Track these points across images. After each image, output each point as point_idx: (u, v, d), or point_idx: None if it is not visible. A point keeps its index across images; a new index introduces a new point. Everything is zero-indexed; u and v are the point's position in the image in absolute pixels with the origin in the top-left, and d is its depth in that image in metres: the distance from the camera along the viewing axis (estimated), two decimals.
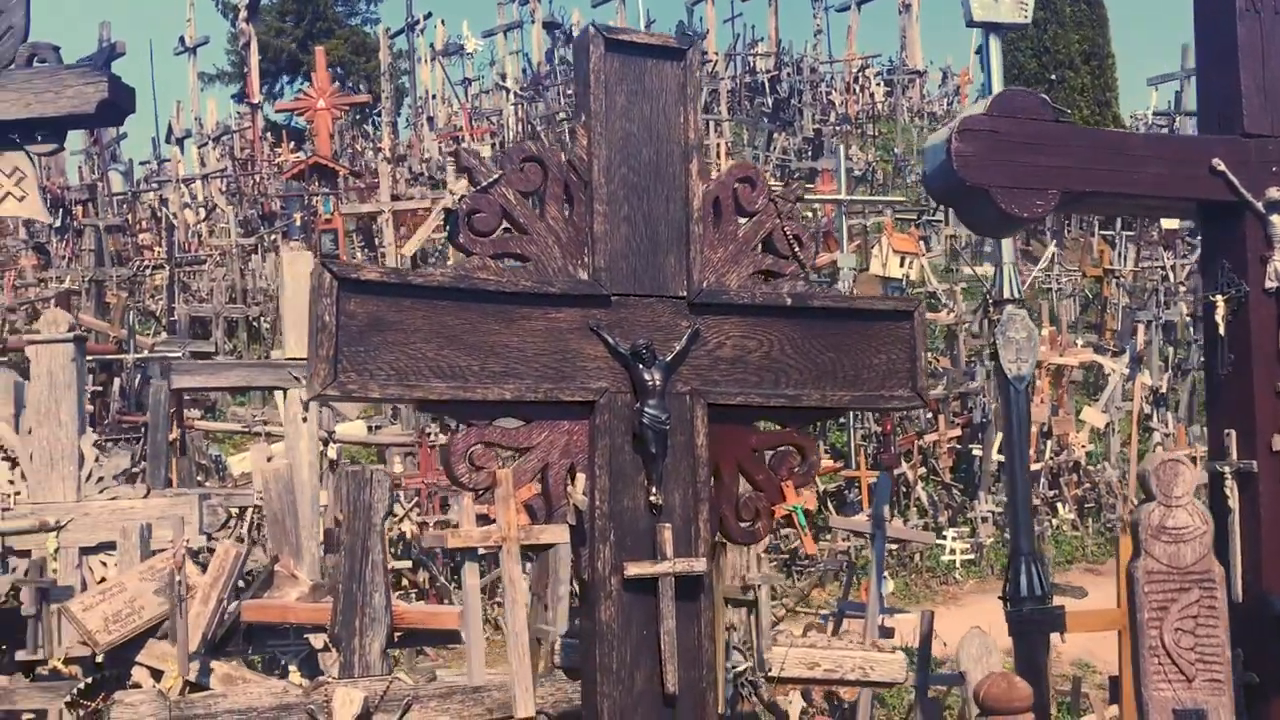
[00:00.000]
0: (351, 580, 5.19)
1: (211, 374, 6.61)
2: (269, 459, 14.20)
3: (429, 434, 14.07)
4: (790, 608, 13.42)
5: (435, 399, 3.08)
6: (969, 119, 4.76)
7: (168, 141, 33.09)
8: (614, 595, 3.19)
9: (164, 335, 18.81)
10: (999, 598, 8.43)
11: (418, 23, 36.86)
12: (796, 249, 3.47)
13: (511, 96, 36.01)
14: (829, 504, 15.24)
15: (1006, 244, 7.47)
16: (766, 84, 37.88)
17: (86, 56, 10.00)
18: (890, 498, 14.96)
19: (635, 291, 3.33)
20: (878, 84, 40.45)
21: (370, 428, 15.49)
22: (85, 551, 6.32)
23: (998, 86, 6.83)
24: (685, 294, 3.37)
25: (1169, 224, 27.00)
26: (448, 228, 3.06)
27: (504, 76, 38.01)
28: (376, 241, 22.97)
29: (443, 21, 39.12)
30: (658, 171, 3.38)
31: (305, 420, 6.65)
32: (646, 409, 3.22)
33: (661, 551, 3.21)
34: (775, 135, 32.70)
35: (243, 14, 33.28)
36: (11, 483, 6.37)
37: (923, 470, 15.92)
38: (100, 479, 6.49)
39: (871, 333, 3.55)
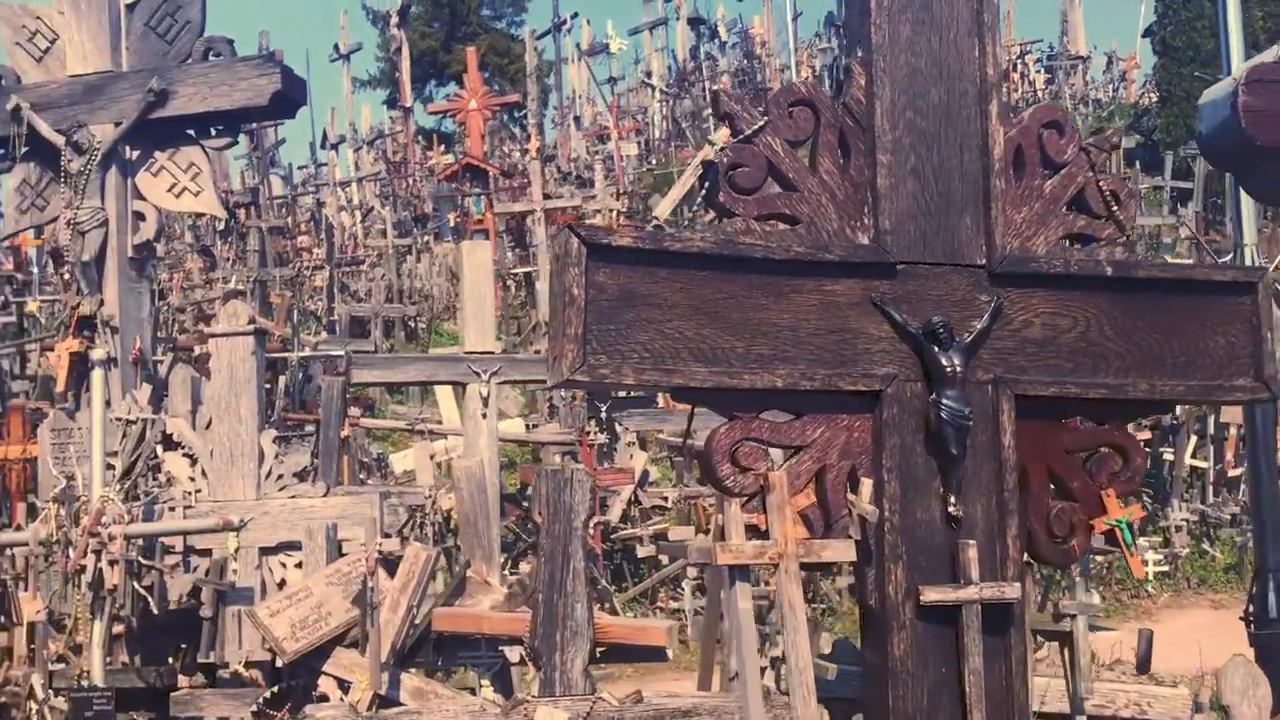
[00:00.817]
0: (552, 589, 4.76)
1: (391, 369, 6.30)
2: (432, 457, 14.11)
3: (589, 433, 13.73)
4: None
5: (696, 386, 2.59)
6: (1259, 68, 4.06)
7: (323, 146, 33.84)
8: (907, 626, 2.64)
9: (323, 334, 19.03)
10: (1240, 618, 7.53)
11: (564, 23, 36.84)
12: (1114, 207, 2.86)
13: (657, 94, 35.73)
14: None
15: (1249, 219, 6.59)
16: None
17: (253, 55, 9.90)
18: None
19: (925, 259, 2.78)
20: (1037, 71, 38.82)
21: (527, 425, 15.26)
22: (265, 552, 6.09)
23: (1236, 42, 6.03)
24: (984, 262, 2.80)
25: None
26: (704, 186, 2.51)
27: (649, 74, 37.76)
28: (528, 240, 22.89)
29: (588, 21, 39.13)
30: (948, 115, 2.81)
31: (485, 416, 6.28)
32: (944, 401, 2.66)
33: (964, 574, 2.64)
34: None
35: (394, 20, 33.82)
36: (192, 479, 6.18)
37: None
38: (280, 476, 6.26)
39: (1206, 309, 2.90)
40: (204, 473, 6.20)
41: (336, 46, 34.14)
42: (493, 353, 6.28)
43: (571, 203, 23.20)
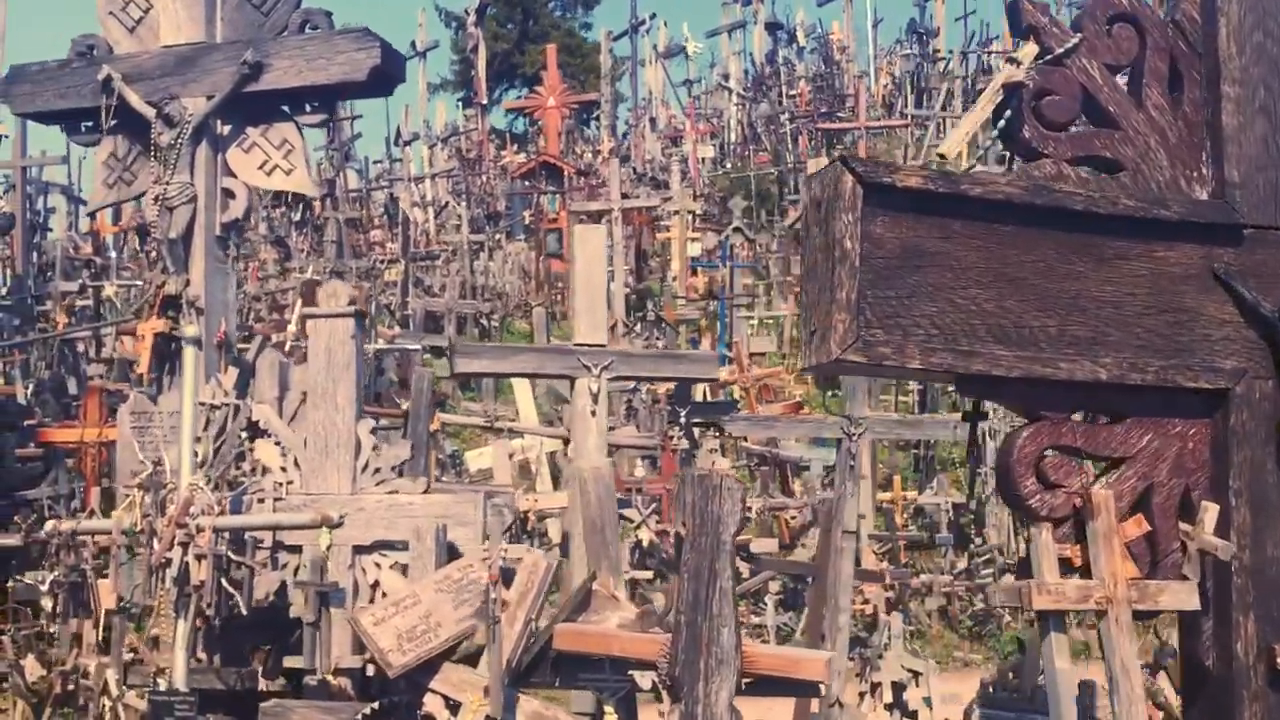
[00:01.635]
0: (696, 610, 4.19)
1: (500, 359, 5.77)
2: (511, 456, 13.61)
3: (672, 437, 13.17)
4: None
5: (1000, 374, 2.00)
6: None
7: (396, 143, 33.68)
8: (1260, 695, 2.02)
9: (396, 329, 18.69)
10: None
11: (642, 23, 36.40)
12: None
13: (734, 97, 35.20)
14: None
15: None
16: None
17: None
18: None
19: (1278, 222, 2.17)
20: None
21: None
22: (359, 551, 5.59)
23: None
24: None
25: None
26: (1000, 120, 1.89)
27: (726, 77, 37.27)
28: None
29: (665, 23, 38.69)
30: None
31: (595, 414, 5.73)
32: None
33: None
34: None
35: (471, 18, 33.56)
36: (284, 469, 5.71)
37: None
38: (376, 470, 5.77)
39: None
40: (296, 463, 5.71)
41: (413, 44, 33.99)
42: (604, 346, 5.72)
43: (649, 202, 22.73)
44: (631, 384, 16.69)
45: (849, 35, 39.15)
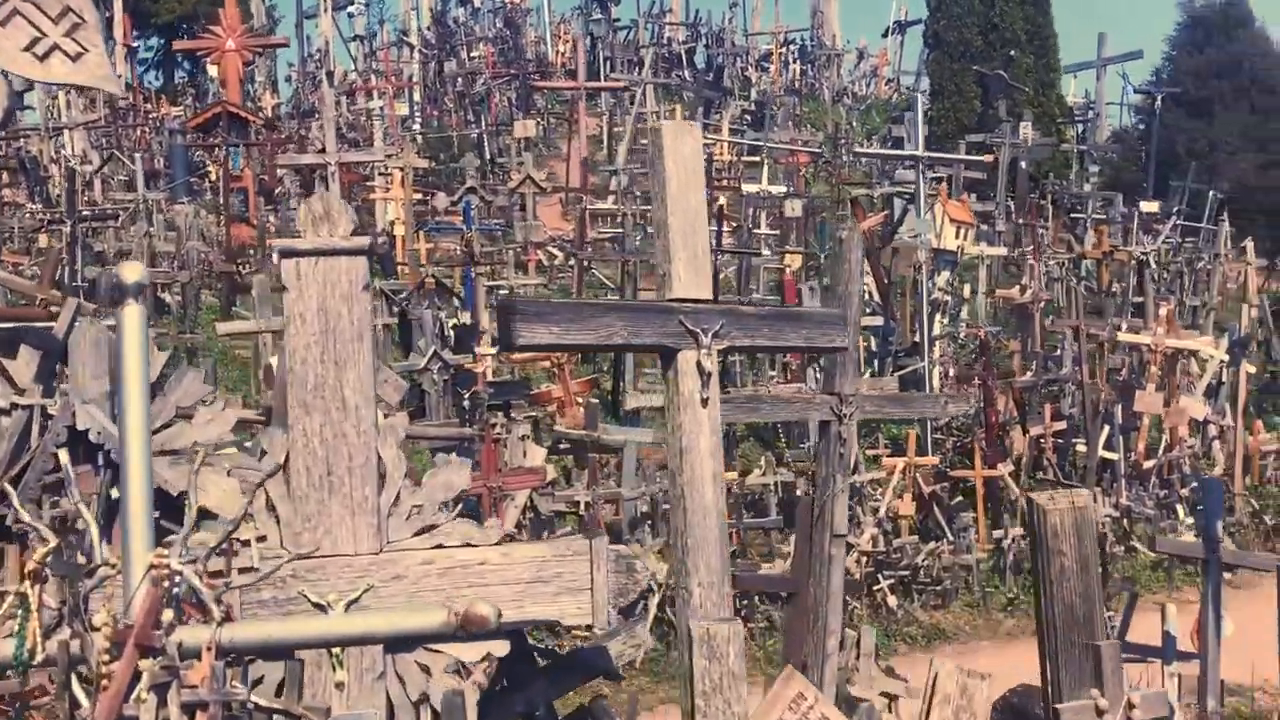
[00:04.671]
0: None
1: (573, 321, 3.71)
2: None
3: (494, 425, 11.16)
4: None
5: None
6: None
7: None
8: None
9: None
10: None
11: None
12: None
13: (416, 54, 32.87)
14: (936, 507, 12.99)
15: None
16: (684, 55, 36.05)
17: None
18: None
19: None
20: (794, 60, 39.17)
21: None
22: (394, 650, 3.29)
23: None
24: None
25: (1149, 207, 26.12)
26: None
27: (405, 33, 34.82)
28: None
29: None
30: None
31: (706, 403, 3.94)
32: None
33: None
34: (718, 105, 30.73)
35: None
36: (252, 516, 3.37)
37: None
38: (416, 509, 3.51)
39: None
40: (270, 505, 3.36)
41: None
42: (711, 301, 3.93)
43: (371, 156, 20.17)
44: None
45: None
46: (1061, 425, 14.05)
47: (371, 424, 3.28)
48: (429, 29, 35.07)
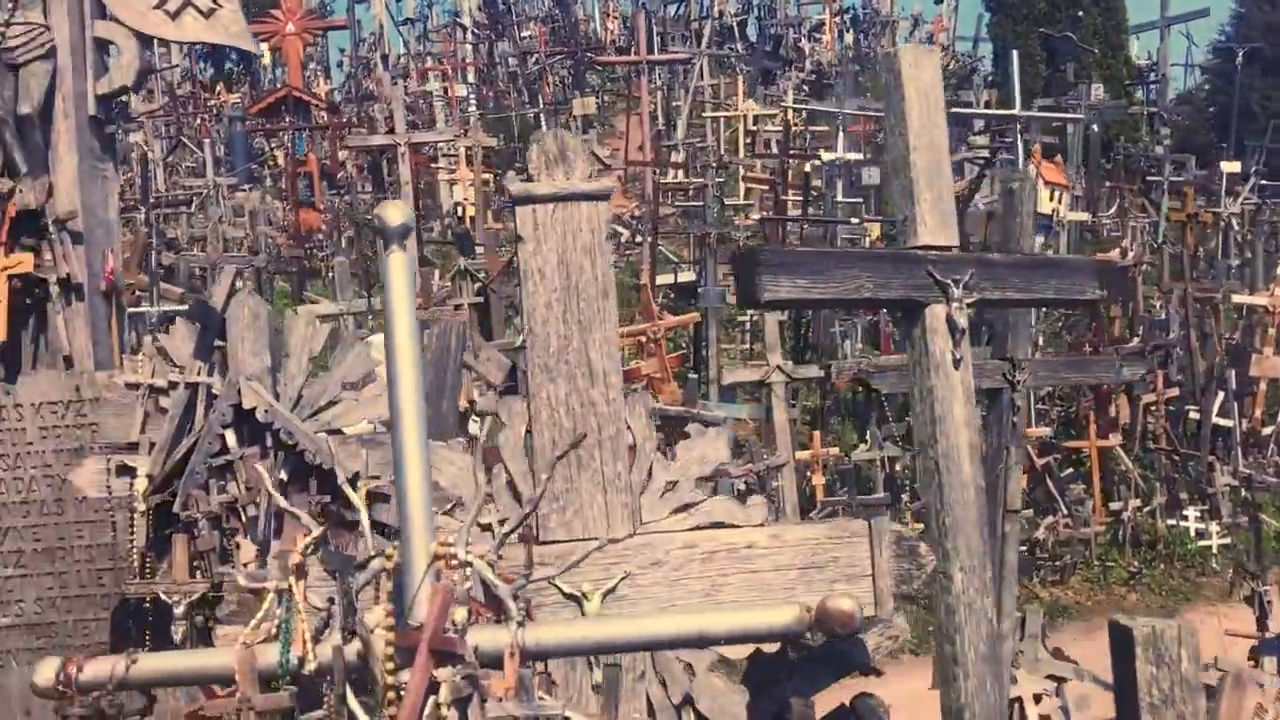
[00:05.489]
0: None
1: (820, 271, 3.32)
2: None
3: None
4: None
5: None
6: None
7: None
8: None
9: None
10: None
11: None
12: None
13: (469, 35, 32.51)
14: (1049, 479, 12.48)
15: None
16: (736, 28, 35.48)
17: None
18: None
19: None
20: (847, 29, 38.50)
21: None
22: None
23: None
24: None
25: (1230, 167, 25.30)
26: None
27: (457, 14, 34.47)
28: (389, 179, 19.34)
29: None
30: None
31: (959, 364, 3.55)
32: None
33: None
34: (776, 76, 30.20)
35: None
36: (485, 494, 2.99)
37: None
38: (670, 485, 3.10)
39: None
40: (487, 478, 2.99)
41: None
42: (959, 248, 3.51)
43: (441, 137, 19.86)
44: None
45: None
46: (1174, 392, 13.46)
47: (620, 391, 2.90)
48: (480, 10, 34.76)
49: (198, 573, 4.18)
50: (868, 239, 17.78)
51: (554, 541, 2.82)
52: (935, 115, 3.61)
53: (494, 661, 2.15)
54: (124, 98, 5.28)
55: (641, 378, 13.57)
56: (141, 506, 4.14)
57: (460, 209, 21.25)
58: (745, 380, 12.12)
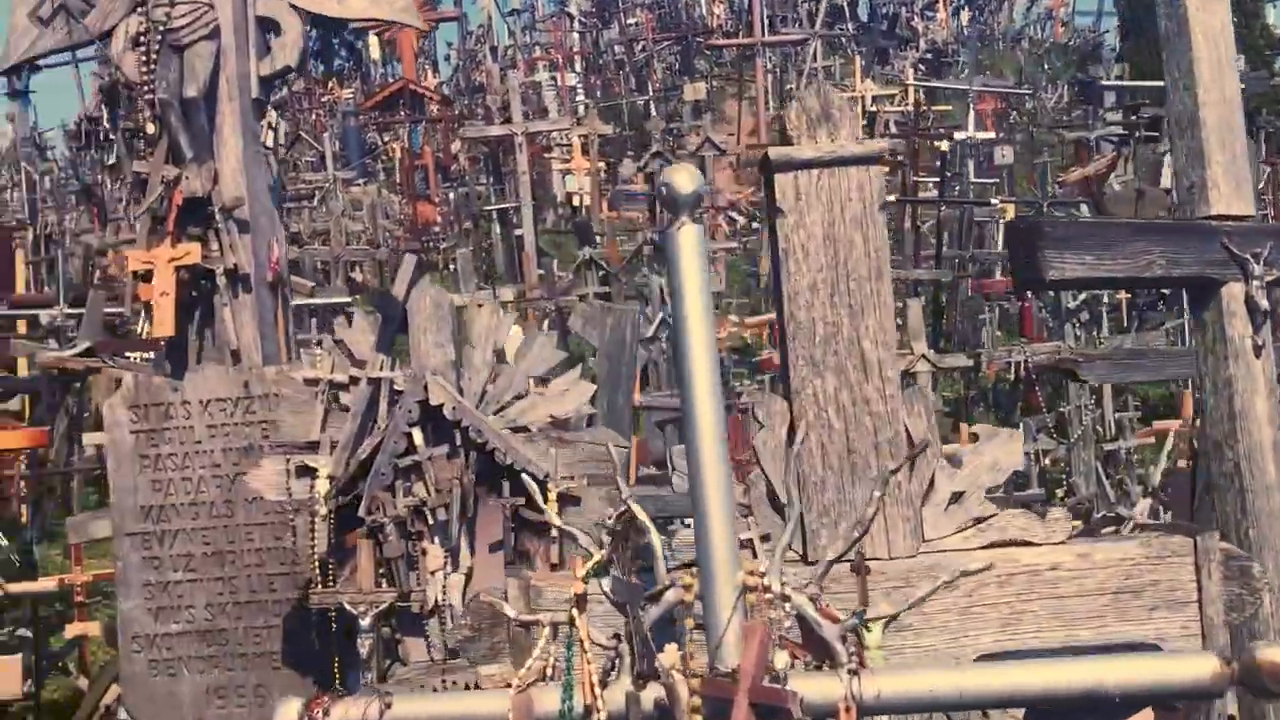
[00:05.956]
0: None
1: (1105, 244, 2.86)
2: None
3: (740, 394, 10.42)
4: None
5: None
6: None
7: None
8: None
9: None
10: None
11: None
12: None
13: (576, 24, 32.32)
14: None
15: None
16: (846, 8, 34.65)
17: None
18: None
19: None
20: (962, 6, 37.35)
21: None
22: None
23: None
24: None
25: None
26: None
27: (565, 2, 34.33)
28: (506, 169, 19.18)
29: None
30: None
31: (1260, 351, 3.05)
32: None
33: None
34: (891, 55, 29.42)
35: None
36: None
37: None
38: (957, 495, 2.72)
39: None
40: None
41: None
42: (1255, 218, 3.00)
43: (558, 125, 19.65)
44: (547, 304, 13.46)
45: None
46: None
47: (898, 387, 2.50)
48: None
49: (383, 581, 3.90)
50: (1001, 221, 17.05)
51: (838, 560, 2.44)
52: (1226, 65, 3.11)
53: (824, 717, 1.77)
54: (297, 72, 5.03)
55: (774, 367, 13.13)
56: (323, 510, 3.87)
57: (573, 199, 21.04)
58: None
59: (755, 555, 2.36)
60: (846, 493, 2.43)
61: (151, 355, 10.05)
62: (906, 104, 23.84)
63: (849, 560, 2.29)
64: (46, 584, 7.48)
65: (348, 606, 3.83)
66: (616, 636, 1.91)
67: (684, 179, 1.87)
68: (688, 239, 1.87)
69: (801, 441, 2.48)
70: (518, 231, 17.91)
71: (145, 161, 4.62)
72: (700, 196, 1.87)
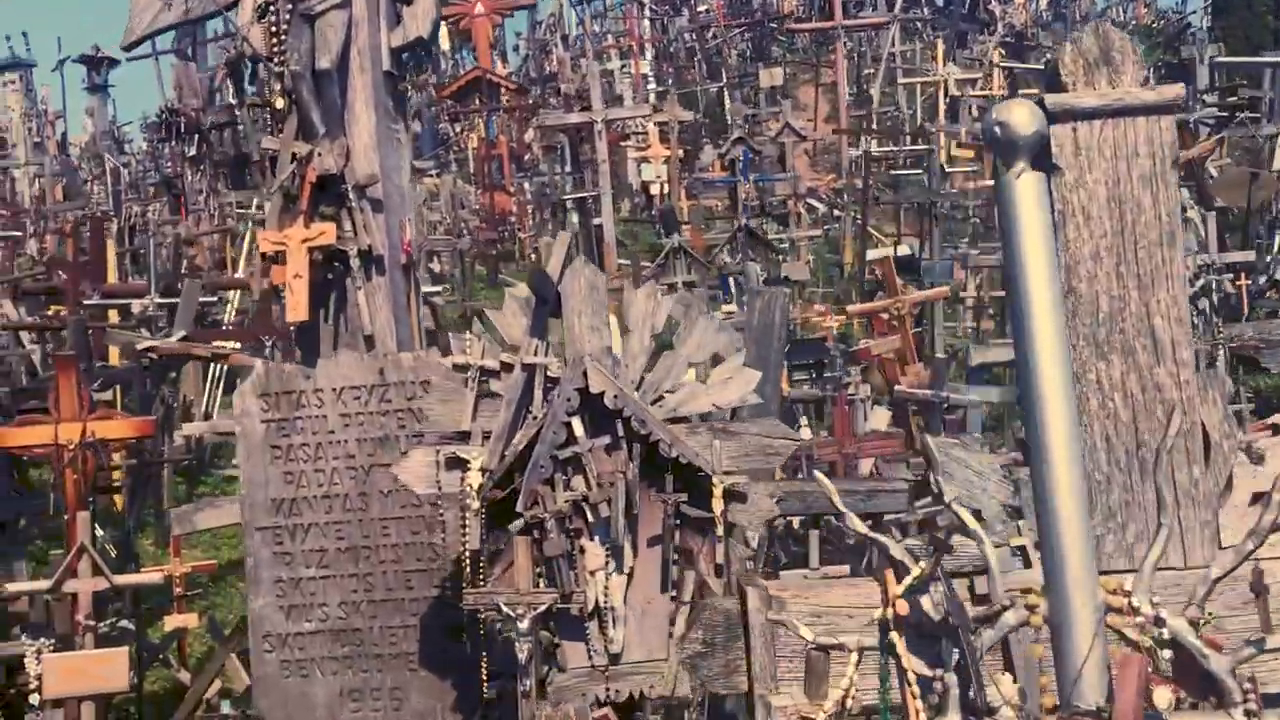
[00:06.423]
0: None
1: None
2: None
3: (847, 385, 10.08)
4: None
5: None
6: None
7: None
8: None
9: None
10: None
11: None
12: None
13: (647, 11, 32.00)
14: None
15: None
16: None
17: None
18: None
19: None
20: None
21: None
22: None
23: None
24: None
25: None
26: None
27: None
28: (584, 157, 18.92)
29: None
30: None
31: None
32: None
33: None
34: (971, 39, 28.74)
35: None
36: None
37: None
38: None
39: None
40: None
41: None
42: None
43: (638, 112, 19.32)
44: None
45: None
46: None
47: (1193, 371, 2.16)
48: None
49: (539, 581, 3.63)
50: None
51: (1111, 571, 2.13)
52: None
53: None
54: (430, 45, 4.78)
55: (871, 358, 12.73)
56: (475, 504, 3.60)
57: (648, 187, 20.73)
58: (996, 361, 11.13)
59: (1029, 565, 2.05)
60: (1135, 493, 2.09)
61: (238, 346, 9.88)
62: (990, 88, 23.20)
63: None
64: (151, 575, 7.34)
65: (504, 608, 3.57)
66: (938, 662, 1.60)
67: (1023, 116, 1.56)
68: (1028, 188, 1.55)
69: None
70: (596, 221, 17.65)
71: (274, 138, 4.39)
72: (1044, 137, 1.56)
